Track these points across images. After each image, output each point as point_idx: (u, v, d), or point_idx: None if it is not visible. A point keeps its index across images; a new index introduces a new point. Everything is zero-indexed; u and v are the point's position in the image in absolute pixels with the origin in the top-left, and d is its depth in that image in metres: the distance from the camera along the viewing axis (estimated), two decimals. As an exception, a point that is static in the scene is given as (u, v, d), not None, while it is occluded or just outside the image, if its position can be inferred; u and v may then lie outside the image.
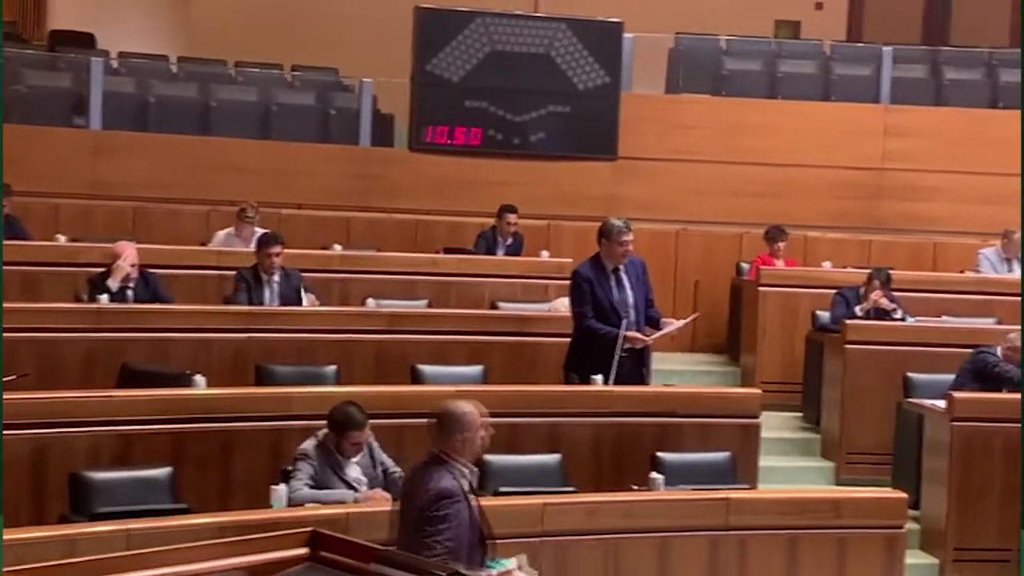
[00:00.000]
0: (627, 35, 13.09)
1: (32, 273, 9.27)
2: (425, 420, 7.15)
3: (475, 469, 5.21)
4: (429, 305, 9.87)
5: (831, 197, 13.00)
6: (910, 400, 8.82)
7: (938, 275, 11.46)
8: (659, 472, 6.68)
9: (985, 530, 8.00)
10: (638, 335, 7.87)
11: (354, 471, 6.28)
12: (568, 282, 8.38)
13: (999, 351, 8.73)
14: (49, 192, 11.43)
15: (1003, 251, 11.50)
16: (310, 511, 5.74)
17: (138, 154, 12.22)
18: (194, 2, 16.90)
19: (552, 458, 7.03)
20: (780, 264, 11.32)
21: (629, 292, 7.94)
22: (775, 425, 9.58)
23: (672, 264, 12.21)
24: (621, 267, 7.97)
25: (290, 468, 6.27)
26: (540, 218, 12.12)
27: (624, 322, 7.78)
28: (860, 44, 15.80)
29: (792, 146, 13.02)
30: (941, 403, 8.27)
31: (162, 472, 6.37)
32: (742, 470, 7.38)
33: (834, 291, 10.14)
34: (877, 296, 9.87)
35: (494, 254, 11.23)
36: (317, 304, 9.24)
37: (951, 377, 8.75)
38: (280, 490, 5.95)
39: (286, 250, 9.32)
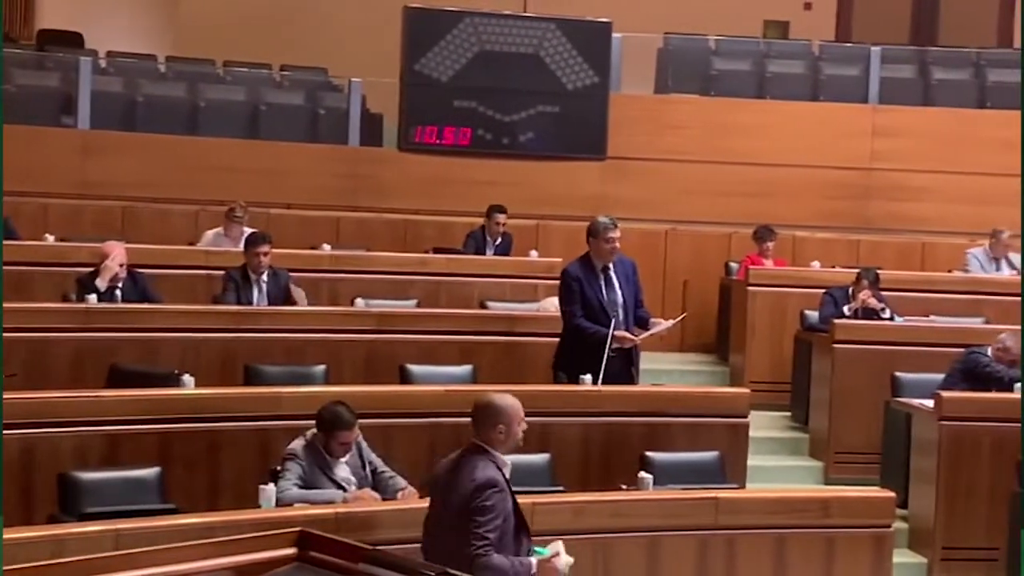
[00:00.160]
0: (616, 35, 13.10)
1: (21, 273, 9.25)
2: (413, 420, 7.19)
3: (508, 462, 5.27)
4: (418, 305, 9.87)
5: (820, 197, 13.03)
6: (898, 399, 8.83)
7: (926, 275, 11.48)
8: (648, 472, 6.68)
9: (973, 529, 8.02)
10: (627, 335, 7.87)
11: (343, 471, 6.27)
12: (557, 282, 8.38)
13: (990, 351, 8.75)
14: (37, 192, 11.42)
15: (991, 251, 11.53)
16: (298, 511, 5.73)
17: (127, 154, 12.20)
18: (182, 1, 16.88)
19: (541, 458, 7.02)
20: (769, 264, 11.34)
21: (618, 291, 7.95)
22: (764, 424, 9.60)
23: (661, 264, 12.22)
24: (611, 267, 7.98)
25: (278, 468, 6.26)
26: (529, 218, 12.12)
27: (613, 321, 7.79)
28: (848, 44, 15.83)
29: (781, 146, 13.04)
30: (929, 402, 8.28)
31: (150, 472, 6.35)
32: (731, 469, 7.39)
33: (823, 291, 10.16)
34: (865, 296, 9.89)
35: (483, 254, 11.23)
36: (305, 299, 9.21)
37: (939, 377, 8.77)
38: (268, 490, 5.94)
39: (275, 250, 9.31)
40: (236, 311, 8.81)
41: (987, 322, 10.34)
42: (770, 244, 11.46)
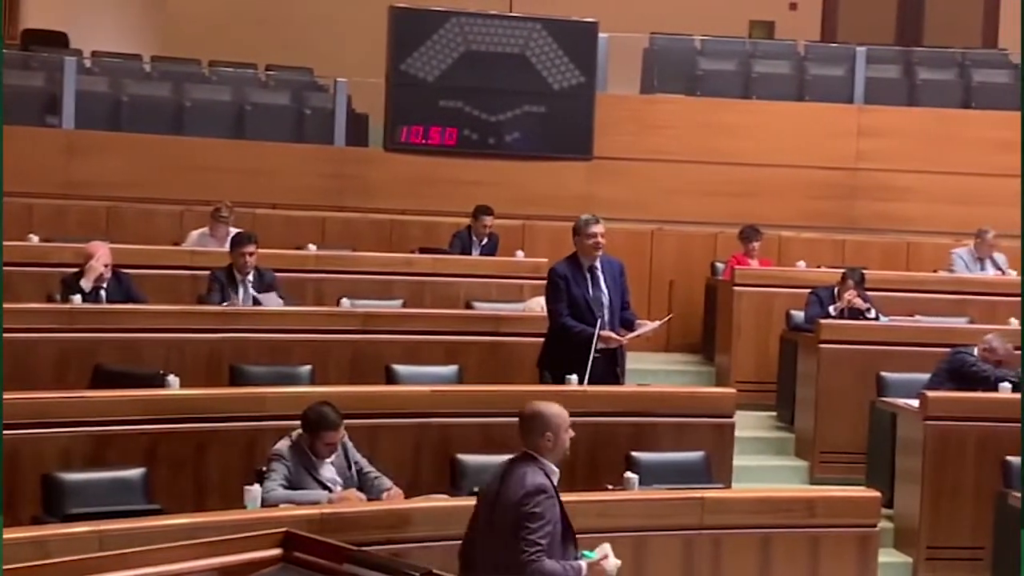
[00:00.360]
0: (602, 35, 13.11)
1: (5, 273, 9.20)
2: (399, 420, 7.19)
3: (557, 470, 5.34)
4: (404, 305, 9.86)
5: (805, 197, 13.05)
6: (883, 399, 8.85)
7: (911, 275, 11.51)
8: (634, 472, 6.68)
9: (958, 529, 8.04)
10: (612, 334, 7.88)
11: (328, 471, 6.26)
12: (543, 282, 8.38)
13: (976, 351, 8.77)
14: (22, 192, 11.37)
15: (976, 251, 11.56)
16: (284, 512, 5.73)
17: (112, 154, 12.17)
18: (168, 1, 16.84)
19: (527, 458, 7.02)
20: (754, 264, 11.35)
21: (604, 291, 7.95)
22: (749, 424, 9.61)
23: (647, 264, 12.22)
24: (598, 266, 7.98)
25: (264, 469, 6.25)
26: (515, 218, 12.12)
27: (599, 321, 7.79)
28: (834, 44, 15.86)
29: (766, 146, 13.06)
30: (914, 402, 8.30)
31: (135, 473, 6.33)
32: (716, 469, 7.39)
33: (808, 291, 10.18)
34: (851, 296, 9.90)
35: (469, 254, 11.23)
36: (280, 303, 9.19)
37: (924, 376, 8.78)
38: (254, 491, 5.92)
39: (261, 250, 9.30)
40: (221, 311, 8.79)
41: (972, 322, 10.37)
42: (756, 244, 11.47)
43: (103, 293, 8.87)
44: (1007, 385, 8.44)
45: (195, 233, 10.76)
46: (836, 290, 10.02)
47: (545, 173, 12.77)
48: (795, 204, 12.98)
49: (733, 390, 8.38)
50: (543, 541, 5.10)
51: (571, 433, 5.37)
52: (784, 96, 13.59)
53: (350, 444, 6.41)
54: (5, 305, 8.25)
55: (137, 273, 9.30)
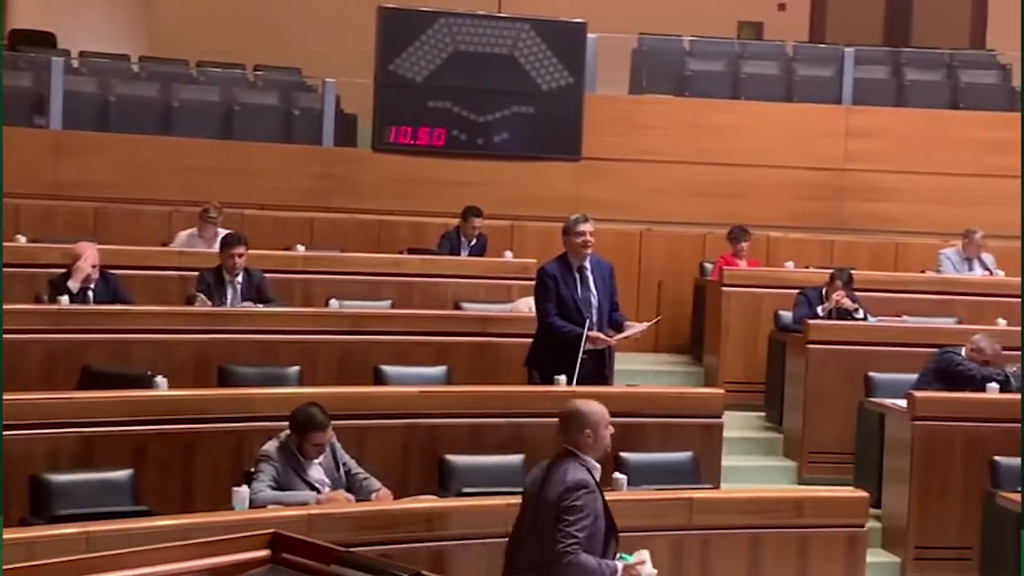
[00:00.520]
0: (590, 36, 13.11)
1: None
2: (387, 421, 7.18)
3: (598, 466, 5.41)
4: (392, 306, 9.85)
5: (793, 197, 13.07)
6: (871, 399, 8.86)
7: (899, 275, 11.53)
8: (622, 472, 6.68)
9: (946, 529, 8.05)
10: (600, 335, 7.88)
11: (316, 472, 6.26)
12: (532, 282, 8.38)
13: (963, 351, 8.78)
14: (9, 192, 11.31)
15: (964, 251, 11.58)
16: (272, 513, 5.72)
17: (99, 154, 12.15)
18: (156, 1, 16.82)
19: (515, 458, 7.03)
20: (743, 264, 11.36)
21: (593, 292, 7.96)
22: (738, 425, 9.62)
23: (636, 264, 12.23)
24: (588, 267, 7.99)
25: (252, 470, 6.25)
26: (504, 219, 12.12)
27: (587, 322, 7.79)
28: (822, 45, 15.90)
29: (755, 147, 13.07)
30: (902, 402, 8.31)
31: (123, 474, 6.32)
32: (705, 470, 7.40)
33: (796, 291, 10.19)
34: (839, 296, 9.91)
35: (458, 255, 11.23)
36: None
37: (912, 376, 8.80)
38: (242, 492, 5.92)
39: (249, 251, 9.28)
40: (210, 312, 8.78)
41: (959, 322, 10.39)
42: (744, 244, 11.48)
43: (91, 294, 8.85)
44: (994, 385, 8.46)
45: (183, 234, 10.75)
46: (824, 290, 10.04)
47: (533, 174, 12.78)
48: (783, 204, 13.00)
49: (721, 390, 8.38)
50: (580, 534, 5.17)
51: (611, 430, 5.45)
52: (772, 97, 13.61)
53: (338, 445, 6.40)
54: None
55: (125, 274, 9.28)
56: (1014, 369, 8.67)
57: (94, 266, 8.88)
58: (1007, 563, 6.93)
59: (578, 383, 7.72)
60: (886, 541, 8.29)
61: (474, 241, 11.36)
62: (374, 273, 10.28)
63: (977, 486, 7.72)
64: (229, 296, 9.11)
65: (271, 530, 3.85)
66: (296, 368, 8.15)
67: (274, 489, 6.10)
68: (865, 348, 9.49)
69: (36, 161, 11.95)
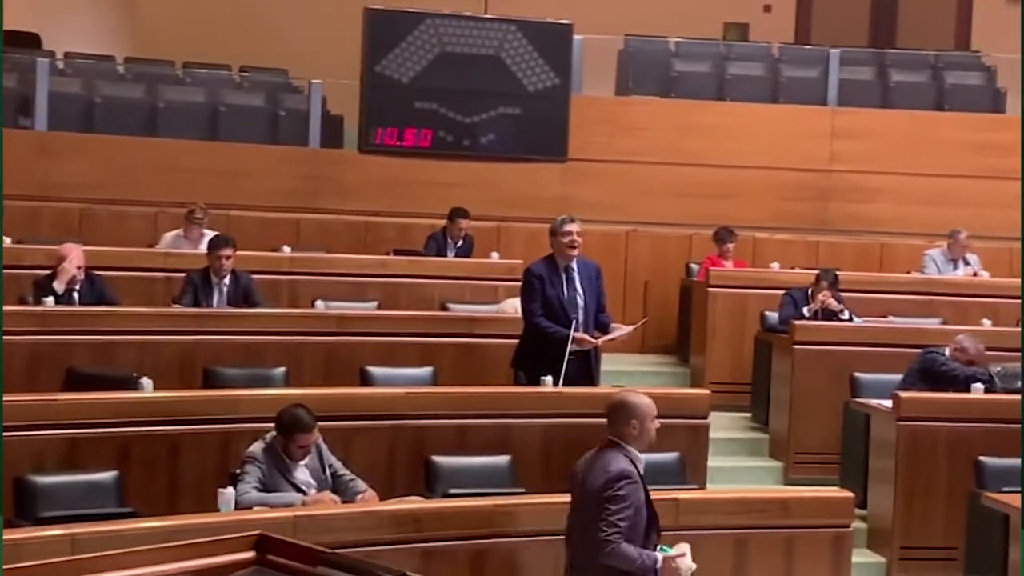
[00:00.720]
0: (577, 37, 13.12)
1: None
2: (373, 422, 7.18)
3: (642, 458, 5.49)
4: (379, 307, 9.85)
5: (779, 198, 13.09)
6: (857, 400, 8.88)
7: (884, 276, 11.56)
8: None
9: (931, 529, 8.07)
10: (586, 336, 7.88)
11: (302, 474, 6.25)
12: (518, 283, 8.39)
13: (947, 351, 8.81)
14: (-6, 193, 11.32)
15: (949, 251, 11.62)
16: (257, 514, 5.71)
17: (84, 155, 12.12)
18: (141, 2, 16.78)
19: (502, 459, 7.03)
20: (729, 265, 11.38)
21: (580, 293, 7.96)
22: (724, 425, 9.63)
23: (622, 265, 12.24)
24: (574, 267, 7.99)
25: (238, 471, 6.24)
26: (490, 220, 12.13)
27: (574, 322, 7.80)
28: (808, 47, 15.92)
29: (740, 148, 13.09)
30: (887, 403, 8.33)
31: (109, 476, 6.31)
32: (691, 470, 7.41)
33: (782, 292, 10.21)
34: (825, 297, 9.93)
35: (444, 256, 11.23)
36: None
37: (897, 377, 8.82)
38: (227, 493, 5.91)
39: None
40: (195, 314, 8.76)
41: (944, 322, 10.42)
42: (730, 245, 11.50)
43: (76, 295, 8.83)
44: (979, 386, 8.48)
45: (169, 235, 10.73)
46: (810, 291, 10.05)
47: (520, 175, 12.78)
48: (769, 205, 13.02)
49: (707, 391, 8.39)
50: (622, 524, 5.25)
51: (657, 424, 5.52)
52: (758, 98, 13.63)
53: (324, 446, 6.40)
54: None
55: (110, 275, 9.26)
56: (998, 369, 8.70)
57: (79, 267, 8.86)
58: (992, 563, 6.95)
59: (565, 384, 7.73)
60: (872, 541, 8.31)
61: (460, 242, 11.36)
62: (360, 274, 10.28)
63: (962, 486, 7.74)
64: (215, 299, 9.09)
65: (257, 532, 3.83)
66: (282, 369, 8.14)
67: (260, 491, 6.09)
68: (850, 349, 9.51)
69: (21, 162, 11.89)
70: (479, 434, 7.36)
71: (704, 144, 13.08)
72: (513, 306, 8.97)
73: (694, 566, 5.43)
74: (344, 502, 6.18)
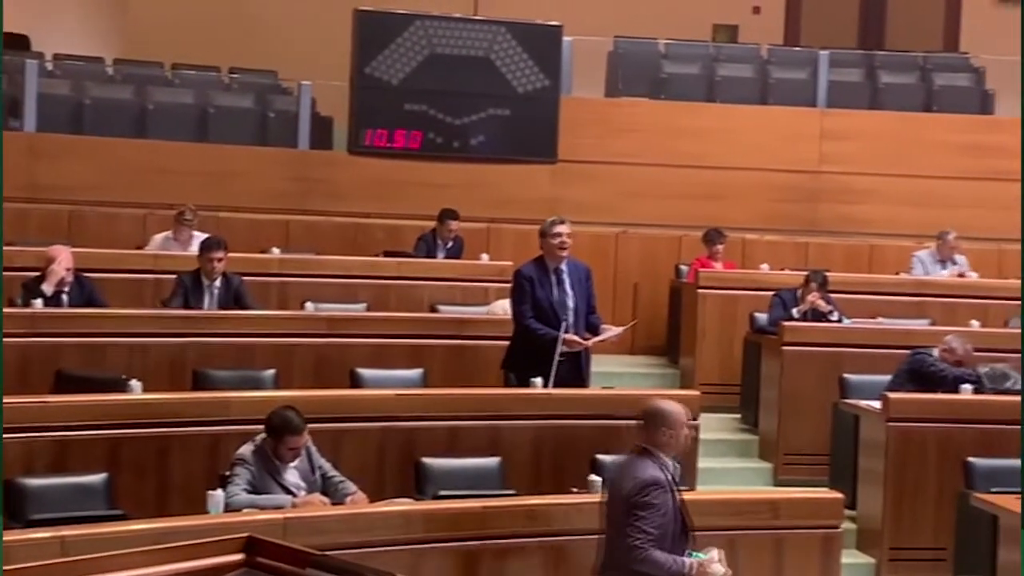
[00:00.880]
0: (566, 38, 13.13)
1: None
2: (363, 424, 7.17)
3: (678, 465, 5.58)
4: (368, 308, 9.85)
5: (768, 200, 13.10)
6: (846, 401, 8.89)
7: (873, 277, 11.58)
8: (599, 474, 6.68)
9: (920, 529, 8.09)
10: (575, 338, 7.89)
11: (292, 476, 6.25)
12: (508, 285, 8.39)
13: (936, 352, 8.82)
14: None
15: (938, 252, 11.64)
16: (247, 517, 5.71)
17: (74, 157, 12.10)
18: (130, 4, 16.75)
19: (492, 461, 7.03)
20: (718, 266, 11.39)
21: (570, 294, 7.97)
22: (713, 427, 9.64)
23: (612, 267, 12.25)
24: (564, 269, 8.00)
25: (227, 473, 6.23)
26: (480, 221, 12.13)
27: (563, 324, 7.80)
28: (797, 48, 15.95)
29: (730, 149, 13.10)
30: (877, 404, 8.35)
31: (98, 478, 6.30)
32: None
33: (772, 293, 10.22)
34: (814, 298, 9.95)
35: (434, 257, 11.23)
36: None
37: (887, 378, 8.83)
38: (217, 495, 5.90)
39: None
40: (184, 316, 8.75)
41: (933, 323, 10.44)
42: (720, 247, 11.51)
43: (65, 297, 8.81)
44: (968, 386, 8.50)
45: (158, 237, 10.72)
46: (799, 292, 10.07)
47: (510, 176, 12.78)
48: (758, 207, 13.04)
49: (697, 392, 8.40)
50: (652, 530, 5.29)
51: (688, 431, 5.57)
52: (747, 99, 13.65)
53: (314, 448, 6.39)
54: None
55: (100, 277, 9.24)
56: (986, 369, 8.72)
57: (68, 269, 8.84)
58: (981, 564, 6.97)
59: (555, 385, 7.74)
60: (861, 542, 8.32)
61: (450, 244, 11.36)
62: (350, 276, 10.28)
63: (951, 487, 7.76)
64: (206, 301, 9.08)
65: (246, 534, 3.83)
66: (271, 371, 8.14)
67: (249, 493, 6.09)
68: (840, 350, 9.53)
69: (10, 164, 11.83)
70: (469, 436, 7.36)
71: (694, 145, 13.09)
72: (503, 308, 8.97)
73: (726, 571, 5.46)
74: (334, 504, 6.18)
